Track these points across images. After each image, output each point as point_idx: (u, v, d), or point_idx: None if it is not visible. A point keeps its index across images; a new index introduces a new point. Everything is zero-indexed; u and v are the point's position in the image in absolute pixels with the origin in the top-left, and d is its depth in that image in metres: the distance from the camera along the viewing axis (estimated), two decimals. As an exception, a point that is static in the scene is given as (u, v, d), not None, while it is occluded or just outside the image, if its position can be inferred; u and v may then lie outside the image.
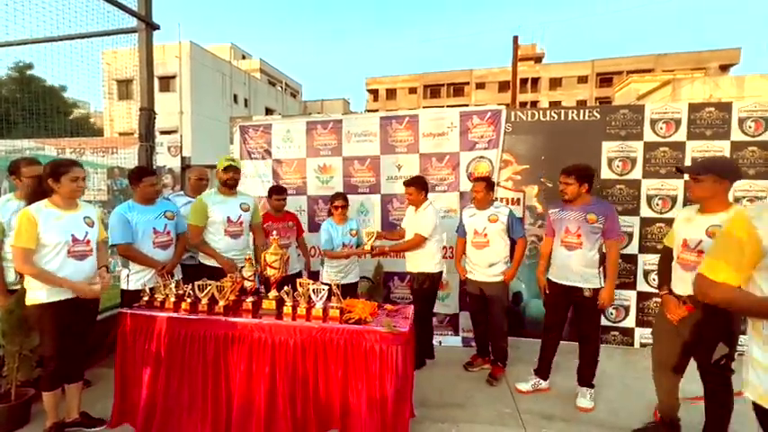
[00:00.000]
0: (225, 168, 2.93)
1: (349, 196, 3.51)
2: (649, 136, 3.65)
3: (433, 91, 40.03)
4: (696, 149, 3.59)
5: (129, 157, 4.87)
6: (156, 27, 3.82)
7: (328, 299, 2.33)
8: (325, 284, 2.35)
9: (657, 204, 3.66)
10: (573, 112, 3.79)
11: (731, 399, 2.05)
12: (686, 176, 2.32)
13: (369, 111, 37.83)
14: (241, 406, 2.25)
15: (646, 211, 3.68)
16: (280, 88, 32.61)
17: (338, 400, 2.14)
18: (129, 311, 2.46)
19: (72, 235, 2.19)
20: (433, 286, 3.28)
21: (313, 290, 2.31)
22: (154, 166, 3.82)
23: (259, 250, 2.91)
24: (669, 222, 3.52)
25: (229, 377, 2.33)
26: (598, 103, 31.85)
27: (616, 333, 3.77)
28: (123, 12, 3.63)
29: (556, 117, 3.81)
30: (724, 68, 30.56)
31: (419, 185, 3.25)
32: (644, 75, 23.55)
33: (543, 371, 2.94)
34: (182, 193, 3.44)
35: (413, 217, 3.34)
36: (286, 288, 2.35)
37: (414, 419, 2.47)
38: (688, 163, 3.56)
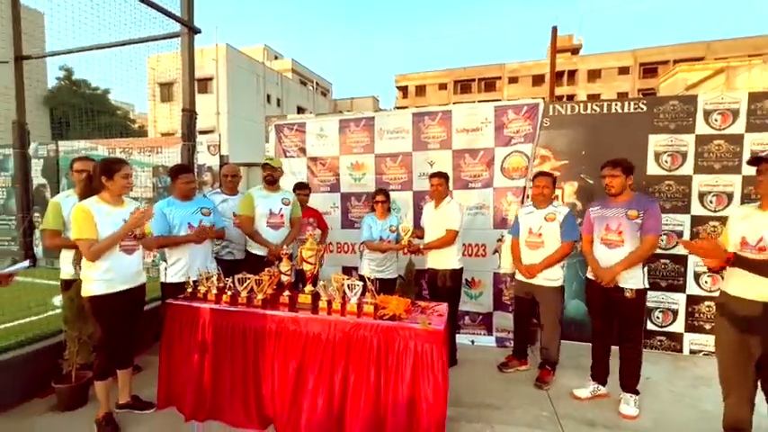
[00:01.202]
0: (262, 166, 3.27)
1: (381, 194, 3.52)
2: (702, 128, 3.41)
3: (464, 86, 39.30)
4: (756, 142, 3.31)
5: (172, 157, 5.13)
6: (198, 31, 3.98)
7: (363, 294, 2.35)
8: (361, 279, 2.36)
9: (711, 202, 3.42)
10: (617, 105, 3.59)
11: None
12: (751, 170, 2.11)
13: (398, 108, 37.75)
14: (277, 397, 2.32)
15: (697, 209, 3.44)
16: (311, 87, 33.17)
17: (372, 396, 2.15)
18: (174, 302, 2.59)
19: None
20: (456, 283, 3.24)
21: (348, 285, 2.34)
22: (195, 165, 4.00)
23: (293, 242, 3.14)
24: (724, 221, 3.27)
25: (266, 368, 2.41)
26: (641, 95, 30.15)
27: (663, 338, 3.56)
28: (167, 17, 3.81)
29: (598, 110, 3.63)
30: (786, 54, 27.95)
31: (446, 177, 3.30)
32: (693, 63, 21.93)
33: (601, 376, 2.78)
34: (219, 190, 3.57)
35: (435, 213, 3.30)
36: (322, 282, 2.39)
37: (448, 418, 2.45)
38: (746, 158, 3.29)
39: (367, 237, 3.34)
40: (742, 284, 1.99)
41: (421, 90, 40.65)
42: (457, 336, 3.57)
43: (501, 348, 3.71)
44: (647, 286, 2.57)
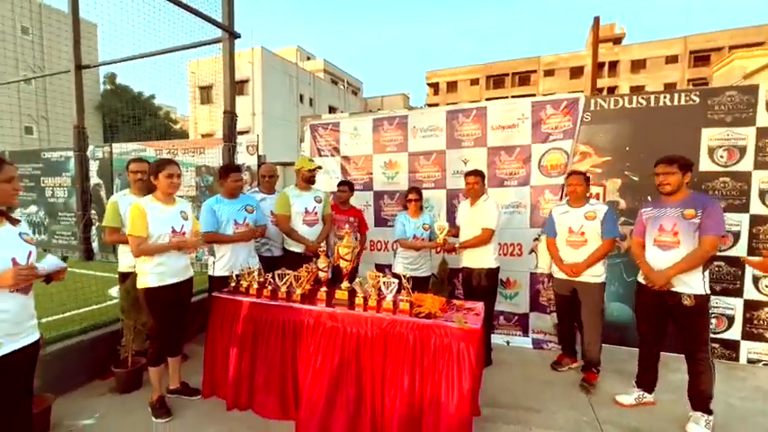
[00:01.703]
0: (302, 168, 3.42)
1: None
2: (765, 120, 3.15)
3: (497, 81, 38.31)
4: (828, 134, 3.02)
5: (214, 157, 5.38)
6: (238, 36, 4.15)
7: (398, 292, 2.37)
8: (396, 277, 2.39)
9: (774, 200, 3.15)
10: (665, 97, 3.39)
11: None
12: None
13: (429, 105, 37.43)
14: (313, 389, 2.39)
15: (758, 208, 3.19)
16: (342, 87, 33.58)
17: (407, 393, 2.17)
18: (218, 295, 2.74)
19: (172, 227, 2.47)
20: (492, 282, 3.20)
21: (383, 282, 2.37)
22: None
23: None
24: (789, 221, 3.03)
25: (303, 361, 2.49)
26: (692, 86, 28.15)
27: (716, 345, 3.33)
28: (209, 24, 3.99)
29: (644, 103, 3.44)
30: None
31: (483, 175, 3.25)
32: (752, 49, 20.15)
33: (647, 383, 2.65)
34: (257, 189, 3.71)
35: (470, 211, 3.26)
36: (358, 279, 2.44)
37: (485, 419, 2.43)
38: (817, 151, 3.01)
39: (400, 235, 3.35)
40: None
41: (452, 86, 40.04)
42: (492, 336, 3.52)
43: (537, 350, 3.63)
44: (709, 292, 2.35)
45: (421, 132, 4.08)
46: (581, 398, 2.76)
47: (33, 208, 7.09)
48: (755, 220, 3.20)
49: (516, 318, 3.82)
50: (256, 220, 3.14)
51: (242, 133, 4.56)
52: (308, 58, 33.23)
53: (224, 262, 2.98)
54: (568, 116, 3.58)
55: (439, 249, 3.32)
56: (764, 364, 3.22)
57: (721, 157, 3.25)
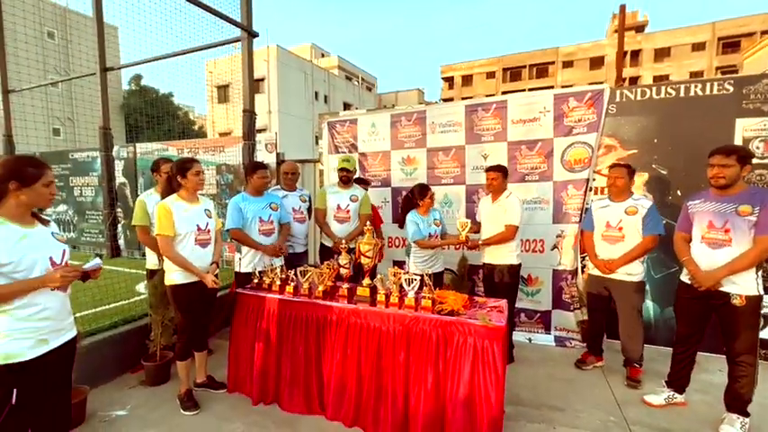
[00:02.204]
0: (339, 168, 3.60)
1: (433, 188, 3.44)
2: (805, 109, 2.99)
3: (513, 74, 37.59)
4: None
5: (233, 155, 5.46)
6: (257, 35, 4.18)
7: (420, 289, 2.37)
8: (417, 275, 2.38)
9: (814, 193, 2.99)
10: (696, 87, 3.25)
11: None
12: None
13: (444, 99, 37.08)
14: (336, 384, 2.41)
15: (796, 202, 3.03)
16: (356, 83, 33.58)
17: (431, 390, 2.17)
18: (242, 291, 2.79)
19: (197, 225, 2.52)
20: (513, 279, 3.16)
21: (405, 279, 2.36)
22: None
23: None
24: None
25: (327, 357, 2.51)
26: (720, 74, 26.98)
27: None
28: (226, 23, 4.04)
29: (673, 93, 3.32)
30: None
31: (504, 171, 3.19)
32: (786, 34, 19.16)
33: (679, 383, 2.56)
34: (278, 187, 3.75)
35: (492, 207, 3.20)
36: (380, 276, 2.44)
37: (508, 417, 2.41)
38: None
39: (417, 236, 3.28)
40: None
41: (468, 80, 39.51)
42: (513, 333, 3.48)
43: (560, 348, 3.56)
44: (762, 293, 2.20)
45: (439, 128, 4.03)
46: (607, 397, 2.70)
47: (63, 207, 7.37)
48: (794, 215, 3.04)
49: (538, 315, 3.76)
50: (280, 218, 3.18)
51: (259, 131, 4.61)
52: (323, 55, 33.34)
53: (249, 259, 3.04)
54: (592, 108, 3.47)
55: (459, 246, 3.27)
56: (803, 365, 3.07)
57: (757, 148, 3.10)
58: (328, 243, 3.56)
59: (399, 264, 4.14)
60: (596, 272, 2.97)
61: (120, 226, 6.04)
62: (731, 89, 3.15)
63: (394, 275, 2.40)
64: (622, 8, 4.65)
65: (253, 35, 4.15)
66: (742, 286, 2.19)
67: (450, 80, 40.48)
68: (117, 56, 6.50)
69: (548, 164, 3.64)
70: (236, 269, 3.11)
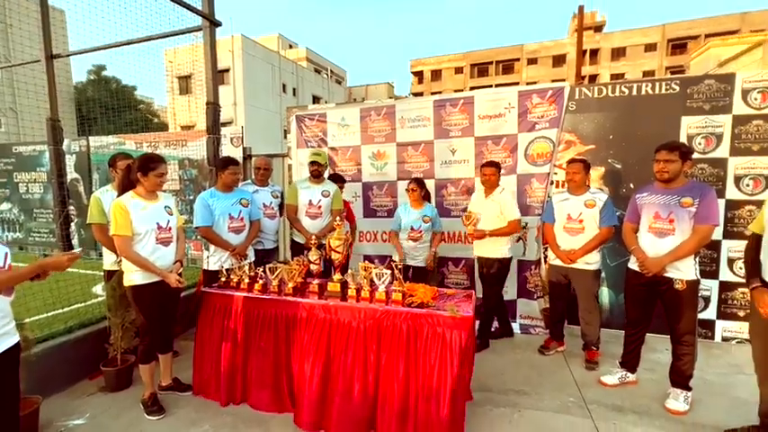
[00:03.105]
0: (309, 162, 3.52)
1: (404, 182, 3.54)
2: (740, 108, 3.26)
3: (481, 70, 38.33)
4: (799, 121, 3.15)
5: (196, 149, 5.25)
6: (219, 24, 4.00)
7: (390, 283, 2.39)
8: (389, 267, 2.40)
9: (747, 185, 3.29)
10: (647, 86, 3.46)
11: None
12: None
13: (414, 94, 37.26)
14: (308, 381, 2.41)
15: (733, 193, 3.32)
16: (325, 76, 33.05)
17: (401, 381, 2.21)
18: (208, 290, 2.71)
19: (157, 223, 2.41)
20: (505, 271, 3.34)
21: (375, 273, 2.38)
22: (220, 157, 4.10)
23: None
24: (760, 205, 3.16)
25: (297, 354, 2.50)
26: (669, 73, 28.75)
27: (693, 325, 3.49)
28: (188, 11, 3.85)
29: (626, 92, 3.51)
30: (831, 23, 26.02)
31: (499, 167, 3.33)
32: (726, 37, 20.66)
33: (630, 364, 2.75)
34: (248, 182, 3.66)
35: (486, 202, 3.32)
36: (351, 271, 2.45)
37: (475, 403, 2.50)
38: (788, 137, 3.14)
39: (393, 227, 3.36)
40: None
41: (437, 75, 39.89)
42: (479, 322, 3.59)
43: (525, 335, 3.72)
44: (699, 277, 2.41)
45: (409, 122, 4.07)
46: (568, 379, 2.86)
47: (6, 205, 6.82)
48: (731, 205, 3.33)
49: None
50: (251, 214, 3.10)
51: (224, 124, 4.46)
52: (291, 47, 32.53)
53: (217, 256, 2.95)
54: (554, 105, 3.62)
55: (474, 238, 3.39)
56: (738, 342, 3.39)
57: (699, 144, 3.35)
58: (300, 239, 3.52)
59: (372, 258, 4.18)
60: (557, 262, 3.12)
61: (72, 225, 5.66)
62: (677, 89, 3.38)
63: (364, 270, 2.41)
64: (581, 9, 4.85)
65: (215, 24, 3.98)
66: (683, 272, 2.39)
67: (419, 75, 40.70)
68: (65, 42, 6.04)
69: (513, 158, 3.77)
70: (204, 267, 3.02)
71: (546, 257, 3.38)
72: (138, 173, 2.37)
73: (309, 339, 2.41)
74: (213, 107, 4.06)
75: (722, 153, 3.32)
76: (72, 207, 5.59)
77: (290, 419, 2.39)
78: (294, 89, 27.02)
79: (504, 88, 3.92)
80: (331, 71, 34.43)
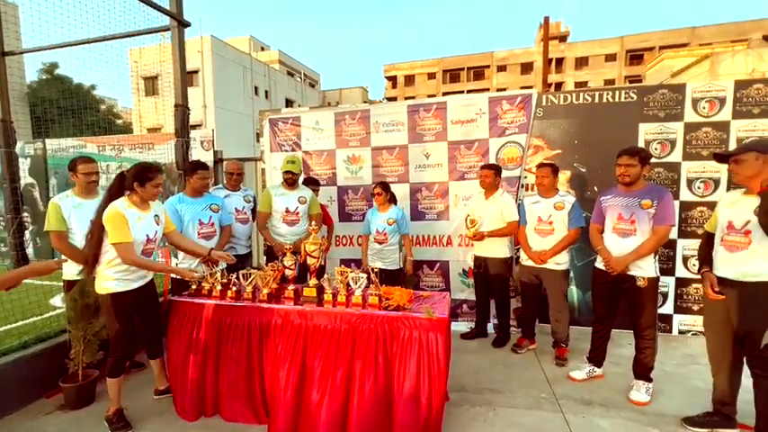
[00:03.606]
0: (283, 171, 3.44)
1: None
2: (691, 116, 3.50)
3: (453, 75, 39.18)
4: (742, 129, 3.42)
5: (163, 153, 5.07)
6: (188, 24, 3.90)
7: (367, 287, 2.40)
8: (365, 272, 2.41)
9: (699, 188, 3.53)
10: (608, 94, 3.66)
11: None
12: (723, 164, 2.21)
13: (388, 98, 37.52)
14: (283, 389, 2.37)
15: (686, 195, 3.55)
16: (299, 79, 32.73)
17: (378, 385, 2.21)
18: (177, 299, 2.61)
19: (146, 235, 2.31)
20: (506, 271, 3.47)
21: (352, 278, 2.38)
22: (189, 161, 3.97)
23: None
24: (711, 206, 3.40)
25: (271, 361, 2.45)
26: (628, 82, 30.44)
27: (653, 320, 3.69)
28: (156, 11, 3.73)
29: (590, 99, 3.70)
30: (768, 39, 28.44)
31: (497, 169, 3.43)
32: (678, 50, 22.20)
33: (597, 359, 2.88)
34: (220, 186, 3.57)
35: (486, 204, 3.43)
36: (327, 276, 2.44)
37: (452, 403, 2.54)
38: (733, 145, 3.40)
39: (364, 231, 3.41)
40: (725, 265, 2.10)
41: (410, 80, 40.41)
42: (454, 323, 3.64)
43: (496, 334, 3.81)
44: (659, 274, 2.57)
45: (383, 127, 4.10)
46: (539, 376, 2.95)
47: (-49, 212, 6.31)
48: (684, 206, 3.56)
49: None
50: (222, 219, 3.02)
51: (193, 127, 4.33)
52: (263, 49, 32.03)
53: (187, 264, 2.86)
54: (522, 111, 3.76)
55: (469, 243, 3.48)
56: (693, 334, 3.62)
57: (656, 149, 3.57)
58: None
59: (348, 262, 4.16)
60: (529, 262, 3.23)
61: (27, 233, 5.31)
62: (635, 97, 3.60)
63: (341, 274, 2.41)
64: (546, 19, 5.08)
65: (184, 24, 3.87)
66: (644, 270, 2.53)
67: (393, 79, 41.08)
68: (18, 39, 5.69)
69: (484, 162, 3.86)
70: (172, 275, 2.91)
71: (519, 258, 3.48)
72: (135, 182, 2.27)
73: (284, 347, 2.36)
74: (182, 109, 3.94)
75: (676, 158, 3.55)
76: (26, 214, 5.26)
77: (265, 430, 2.33)
78: (267, 92, 26.58)
79: (476, 94, 4.03)
80: (304, 74, 34.14)
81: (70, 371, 2.61)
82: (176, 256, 2.92)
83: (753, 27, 29.27)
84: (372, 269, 2.38)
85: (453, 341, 2.52)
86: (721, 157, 2.17)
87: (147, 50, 4.78)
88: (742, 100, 3.41)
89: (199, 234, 2.85)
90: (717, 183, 3.49)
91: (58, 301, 3.66)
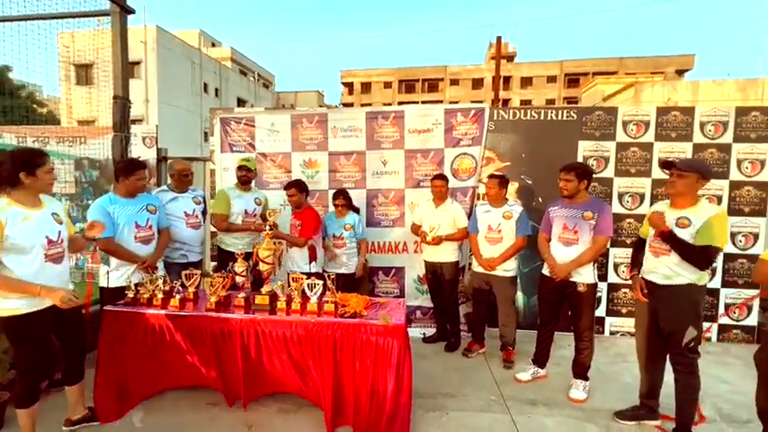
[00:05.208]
0: (238, 167, 3.41)
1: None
2: (621, 137, 3.88)
3: (408, 86, 40.15)
4: (662, 150, 3.85)
5: (98, 148, 4.61)
6: (132, 11, 3.62)
7: (323, 293, 2.35)
8: (320, 278, 2.36)
9: (628, 201, 3.90)
10: (552, 112, 3.95)
11: (698, 382, 2.25)
12: (662, 172, 2.47)
13: (344, 104, 37.48)
14: (232, 398, 2.24)
15: (617, 208, 3.90)
16: (252, 78, 31.65)
17: (342, 393, 2.17)
18: (113, 309, 2.37)
19: (46, 237, 1.95)
20: (455, 275, 3.61)
21: (308, 285, 2.32)
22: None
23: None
24: (638, 218, 3.78)
25: (222, 374, 2.31)
26: (566, 103, 33.14)
27: (589, 322, 3.99)
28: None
29: (536, 116, 3.96)
30: (680, 73, 32.54)
31: (447, 180, 3.54)
32: (609, 77, 24.72)
33: (541, 360, 3.04)
34: (166, 188, 3.31)
35: (437, 212, 3.52)
36: (280, 282, 2.35)
37: (406, 409, 2.54)
38: (655, 163, 3.81)
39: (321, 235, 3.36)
40: (651, 269, 2.34)
41: (366, 87, 40.74)
42: (409, 329, 3.68)
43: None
44: (597, 281, 2.80)
45: (341, 132, 4.07)
46: (489, 379, 3.07)
47: None
48: (615, 218, 3.83)
49: (431, 311, 4.06)
50: (159, 221, 2.79)
51: (134, 122, 3.99)
52: (213, 45, 30.57)
53: (122, 271, 2.59)
54: (476, 124, 3.93)
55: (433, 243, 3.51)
56: (622, 335, 3.97)
57: (592, 165, 3.90)
58: (230, 247, 3.32)
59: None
60: (480, 269, 3.36)
61: None
62: (575, 117, 3.91)
63: (295, 281, 2.33)
64: (499, 39, 5.38)
65: (127, 11, 3.59)
66: (584, 276, 2.74)
67: (350, 85, 41.17)
68: None
69: (439, 171, 3.97)
70: (103, 284, 2.62)
71: (470, 265, 3.61)
72: (22, 172, 1.87)
73: (235, 357, 2.24)
74: (122, 102, 3.63)
75: (609, 173, 3.90)
76: None
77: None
78: (217, 89, 25.39)
79: (432, 105, 4.16)
80: (258, 74, 33.10)
81: (-27, 394, 2.26)
82: (108, 263, 2.62)
83: (669, 62, 33.40)
84: (329, 275, 2.34)
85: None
86: (668, 165, 2.30)
87: (79, 35, 4.34)
88: (663, 124, 3.84)
89: (136, 238, 2.59)
90: (642, 197, 3.89)
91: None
